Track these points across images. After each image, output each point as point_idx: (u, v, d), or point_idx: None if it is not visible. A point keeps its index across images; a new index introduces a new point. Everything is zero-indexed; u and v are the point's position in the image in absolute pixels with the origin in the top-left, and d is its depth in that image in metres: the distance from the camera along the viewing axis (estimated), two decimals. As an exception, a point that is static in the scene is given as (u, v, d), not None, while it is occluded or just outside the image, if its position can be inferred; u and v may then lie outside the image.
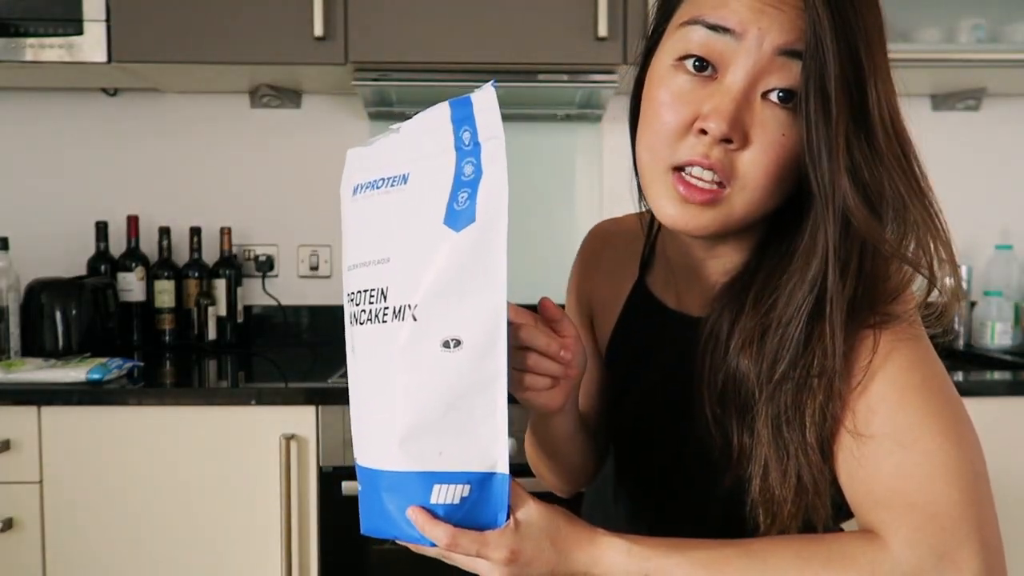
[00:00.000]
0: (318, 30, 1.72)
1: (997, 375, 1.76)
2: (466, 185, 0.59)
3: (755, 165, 0.61)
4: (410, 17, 1.75)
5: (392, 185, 0.63)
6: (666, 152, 0.64)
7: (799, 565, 0.57)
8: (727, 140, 0.60)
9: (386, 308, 0.61)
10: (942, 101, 2.20)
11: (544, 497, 0.66)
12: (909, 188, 0.60)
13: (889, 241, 0.60)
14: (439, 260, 0.59)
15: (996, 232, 2.22)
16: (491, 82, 0.61)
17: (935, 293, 0.64)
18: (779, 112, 0.60)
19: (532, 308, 0.73)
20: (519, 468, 1.08)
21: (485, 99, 0.60)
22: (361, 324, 0.64)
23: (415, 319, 0.60)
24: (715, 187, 0.62)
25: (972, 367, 1.93)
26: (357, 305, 0.64)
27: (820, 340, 0.61)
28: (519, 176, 2.19)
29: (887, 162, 0.59)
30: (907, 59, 1.81)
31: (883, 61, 0.61)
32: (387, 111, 2.05)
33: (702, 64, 0.62)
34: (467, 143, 0.60)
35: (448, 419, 0.61)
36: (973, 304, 2.14)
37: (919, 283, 0.64)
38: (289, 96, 2.10)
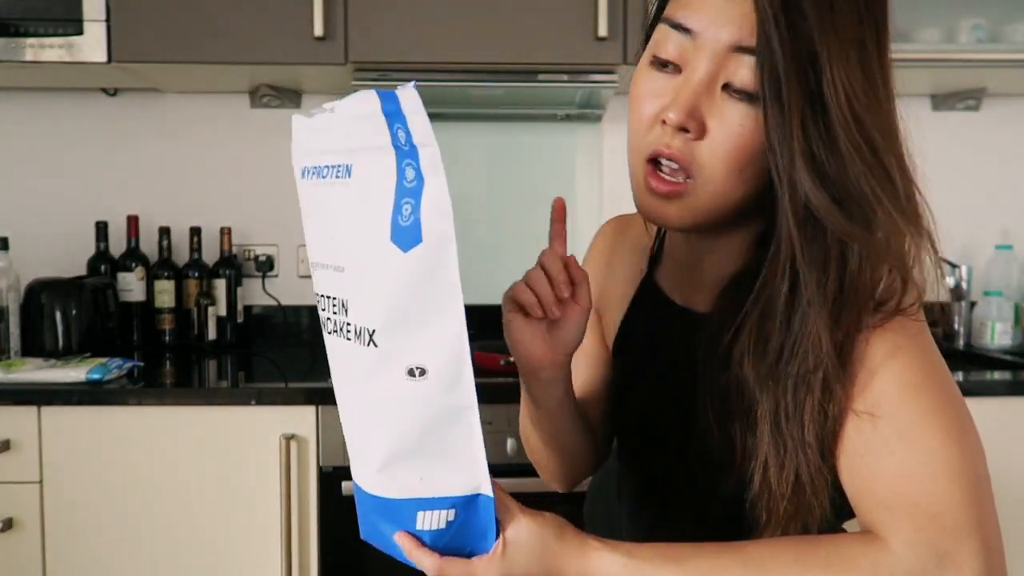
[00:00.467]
0: (318, 30, 1.72)
1: (997, 375, 1.76)
2: (409, 194, 0.56)
3: (714, 155, 0.63)
4: (410, 17, 1.75)
5: (336, 176, 0.60)
6: (640, 144, 0.67)
7: (798, 570, 0.56)
8: (685, 130, 0.63)
9: (348, 324, 0.60)
10: (942, 101, 2.20)
11: (547, 499, 0.66)
12: (869, 171, 0.59)
13: (848, 226, 0.60)
14: (390, 284, 0.57)
15: (996, 232, 2.22)
16: (412, 83, 0.58)
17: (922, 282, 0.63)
18: (738, 104, 0.62)
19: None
20: (521, 468, 1.08)
21: (411, 100, 0.57)
22: (329, 333, 0.63)
23: (376, 345, 0.58)
24: (680, 179, 0.65)
25: (972, 367, 1.93)
26: (323, 311, 0.63)
27: (809, 335, 0.61)
28: (519, 176, 2.19)
29: (843, 145, 0.59)
30: (907, 59, 1.81)
31: (846, 45, 0.60)
32: (387, 111, 2.05)
33: (669, 61, 0.65)
34: (403, 143, 0.58)
35: (424, 446, 0.59)
36: (973, 304, 2.14)
37: (924, 276, 0.64)
38: (289, 96, 2.10)
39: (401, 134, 0.58)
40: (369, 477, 0.62)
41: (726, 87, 0.62)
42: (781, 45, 0.58)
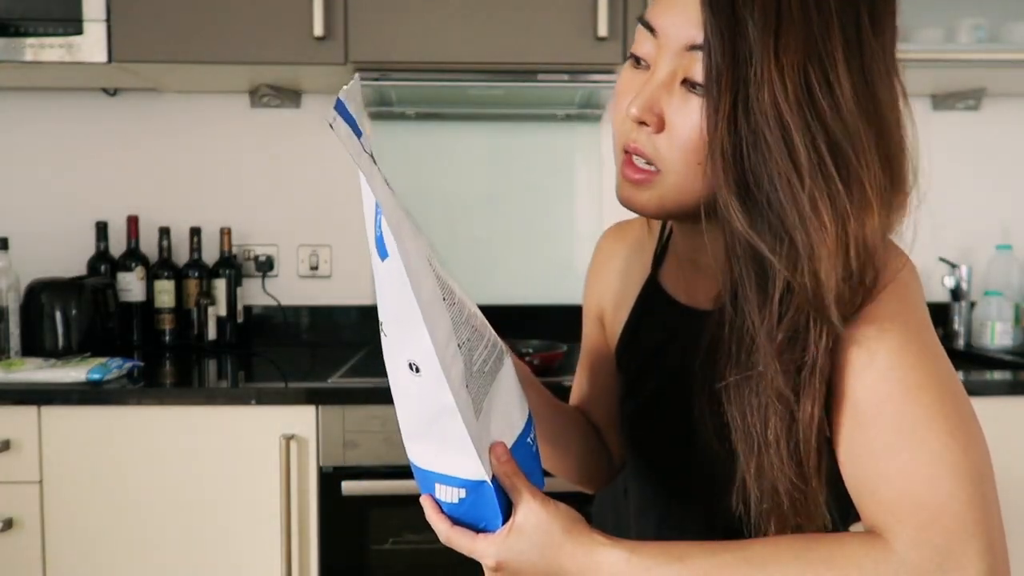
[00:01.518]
0: (318, 30, 1.72)
1: (997, 375, 1.76)
2: (379, 205, 0.56)
3: (672, 147, 0.65)
4: (410, 17, 1.75)
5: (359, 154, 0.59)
6: (617, 137, 0.70)
7: (800, 567, 0.56)
8: (645, 123, 0.65)
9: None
10: (942, 101, 2.20)
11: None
12: (790, 173, 0.59)
13: (746, 224, 0.60)
14: (382, 286, 0.58)
15: (996, 232, 2.22)
16: (337, 96, 0.56)
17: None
18: (695, 97, 0.63)
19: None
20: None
21: (341, 129, 0.56)
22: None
23: (386, 335, 0.61)
24: (651, 169, 0.67)
25: (972, 367, 1.92)
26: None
27: (759, 346, 0.61)
28: (519, 176, 2.19)
29: (763, 145, 0.59)
30: (907, 59, 1.80)
31: (792, 48, 0.59)
32: (387, 111, 2.05)
33: (640, 59, 0.68)
34: (368, 150, 0.58)
35: (430, 432, 0.62)
36: (973, 304, 2.14)
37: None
38: (289, 96, 2.10)
39: (364, 143, 0.58)
40: (405, 442, 0.66)
41: (685, 82, 0.64)
42: (720, 40, 0.60)
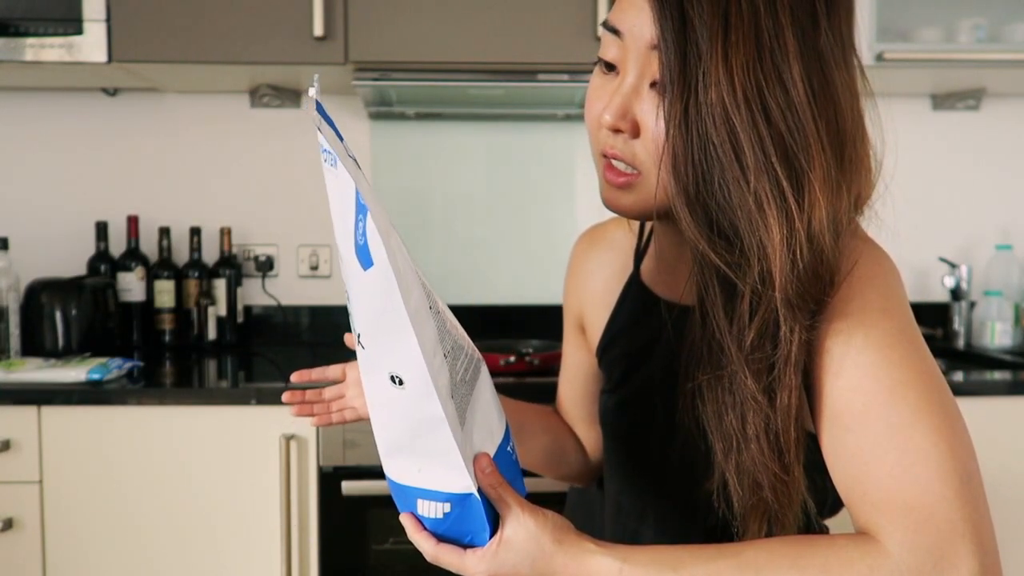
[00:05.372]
0: (318, 30, 1.72)
1: (997, 375, 1.76)
2: (361, 211, 0.55)
3: (647, 150, 0.65)
4: (410, 17, 1.75)
5: (331, 164, 0.56)
6: (593, 142, 0.70)
7: (796, 574, 0.56)
8: (619, 130, 0.65)
9: (350, 317, 0.60)
10: (942, 101, 2.20)
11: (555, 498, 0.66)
12: (738, 176, 0.58)
13: (694, 228, 0.61)
14: (361, 296, 0.57)
15: (996, 232, 2.22)
16: (314, 99, 0.55)
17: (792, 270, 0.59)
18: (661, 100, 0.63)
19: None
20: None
21: (328, 133, 0.54)
22: (349, 317, 0.63)
23: (363, 347, 0.59)
24: (631, 172, 0.66)
25: (972, 367, 1.93)
26: (346, 292, 0.63)
27: (752, 330, 0.60)
28: (519, 176, 2.19)
29: (710, 147, 0.59)
30: (907, 59, 1.81)
31: (743, 48, 0.59)
32: (387, 111, 2.05)
33: (608, 64, 0.68)
34: (351, 154, 0.57)
35: (414, 445, 0.61)
36: (973, 304, 2.14)
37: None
38: (289, 96, 2.10)
39: (347, 146, 0.57)
40: (382, 459, 0.64)
41: (654, 84, 0.64)
42: (670, 41, 0.60)
